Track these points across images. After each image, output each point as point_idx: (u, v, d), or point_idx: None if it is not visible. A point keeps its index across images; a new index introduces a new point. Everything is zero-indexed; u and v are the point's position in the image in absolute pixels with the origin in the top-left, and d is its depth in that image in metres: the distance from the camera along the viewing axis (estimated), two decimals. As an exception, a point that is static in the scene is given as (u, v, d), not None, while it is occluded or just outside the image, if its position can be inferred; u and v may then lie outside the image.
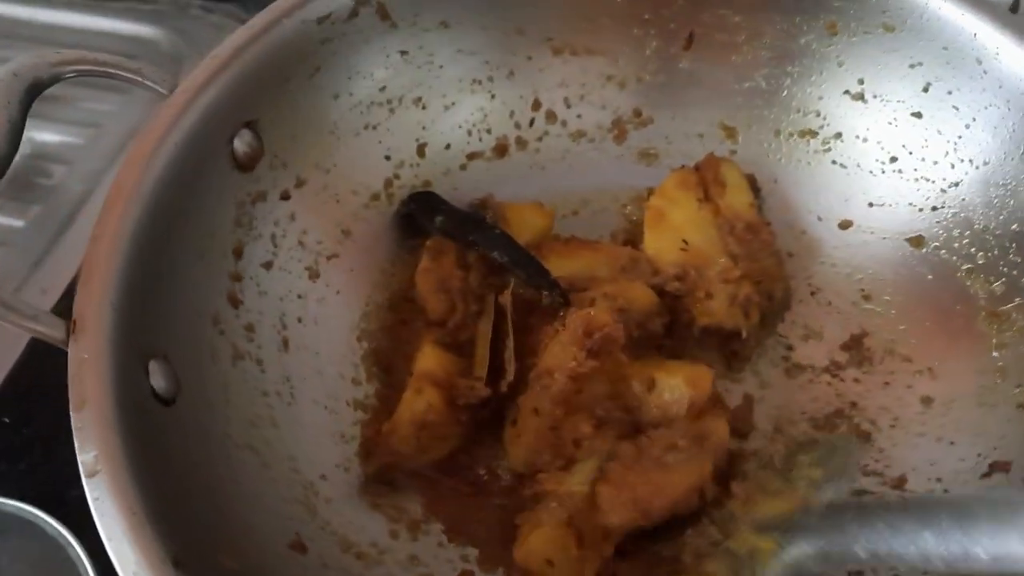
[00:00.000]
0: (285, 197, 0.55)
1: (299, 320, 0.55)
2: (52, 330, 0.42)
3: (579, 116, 0.64)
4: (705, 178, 0.60)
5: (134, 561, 0.36)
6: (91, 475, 0.38)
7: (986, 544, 0.36)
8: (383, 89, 0.59)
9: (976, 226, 0.56)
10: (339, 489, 0.51)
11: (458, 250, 0.57)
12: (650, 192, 0.61)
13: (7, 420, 0.58)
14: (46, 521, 0.51)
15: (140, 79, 0.49)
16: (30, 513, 0.51)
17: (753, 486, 0.49)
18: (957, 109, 0.56)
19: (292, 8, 0.54)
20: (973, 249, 0.56)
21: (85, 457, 0.38)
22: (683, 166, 0.61)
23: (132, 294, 0.44)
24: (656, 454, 0.49)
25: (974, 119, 0.55)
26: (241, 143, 0.52)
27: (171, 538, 0.38)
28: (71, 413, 0.39)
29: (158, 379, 0.44)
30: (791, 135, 0.62)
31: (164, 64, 0.78)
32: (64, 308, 0.42)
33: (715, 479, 0.49)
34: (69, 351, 0.41)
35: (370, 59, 0.58)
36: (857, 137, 0.60)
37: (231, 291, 0.52)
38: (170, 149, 0.48)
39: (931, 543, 0.37)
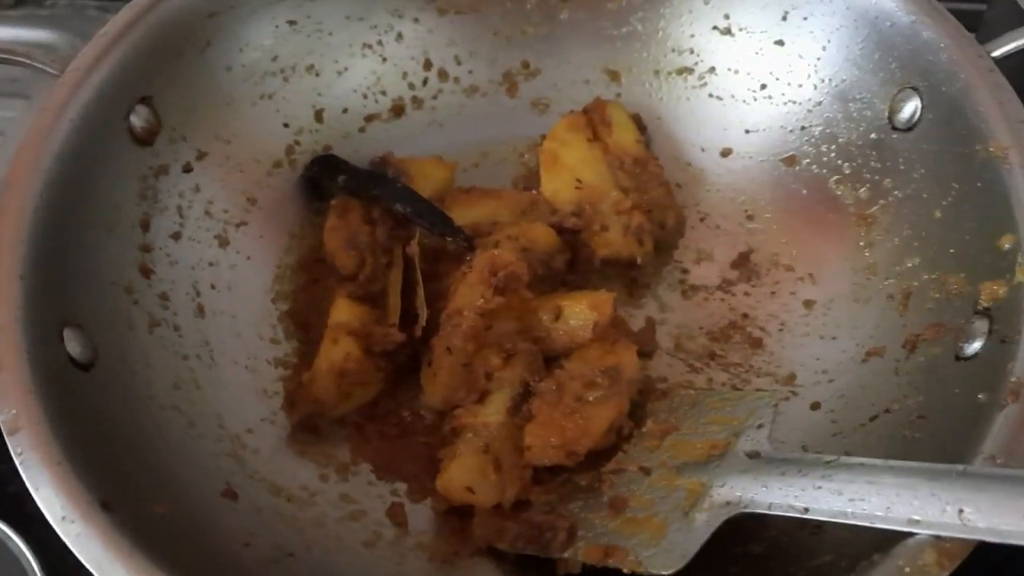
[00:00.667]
0: (187, 170, 0.57)
1: (212, 287, 0.56)
2: (-37, 304, 0.43)
3: (470, 72, 0.67)
4: (593, 120, 0.63)
5: (61, 506, 0.38)
6: (12, 432, 0.39)
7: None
8: (275, 59, 0.61)
9: (840, 139, 0.60)
10: (266, 441, 0.53)
11: (363, 207, 0.59)
12: (544, 138, 0.64)
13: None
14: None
15: (30, 61, 0.50)
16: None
17: (666, 426, 0.51)
18: (813, 33, 0.60)
19: (177, -16, 0.55)
20: (840, 161, 0.60)
21: (5, 417, 0.40)
22: (572, 111, 0.64)
23: (40, 266, 0.45)
24: (577, 391, 0.51)
25: (829, 41, 0.59)
26: (138, 119, 0.54)
27: (98, 486, 0.40)
28: (-12, 377, 0.41)
29: (73, 346, 0.46)
30: (670, 74, 0.66)
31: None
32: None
33: (629, 414, 0.52)
34: (-19, 321, 0.43)
35: (259, 30, 0.60)
36: (729, 70, 0.64)
37: (141, 262, 0.53)
38: (66, 126, 0.49)
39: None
